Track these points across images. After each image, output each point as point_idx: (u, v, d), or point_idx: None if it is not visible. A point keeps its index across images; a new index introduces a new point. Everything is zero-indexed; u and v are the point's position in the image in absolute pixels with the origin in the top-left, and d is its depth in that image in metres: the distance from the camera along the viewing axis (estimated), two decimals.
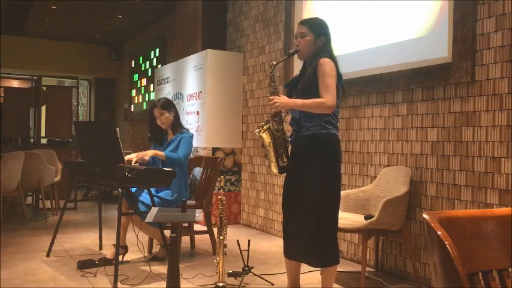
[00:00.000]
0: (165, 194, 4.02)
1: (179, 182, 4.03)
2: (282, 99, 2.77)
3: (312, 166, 2.79)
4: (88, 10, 8.52)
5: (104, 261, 3.82)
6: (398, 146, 3.81)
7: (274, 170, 2.89)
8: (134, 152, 4.26)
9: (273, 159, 2.87)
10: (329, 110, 2.74)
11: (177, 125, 4.19)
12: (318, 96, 2.74)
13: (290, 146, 2.93)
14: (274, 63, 2.89)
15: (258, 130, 2.84)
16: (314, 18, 3.05)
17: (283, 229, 2.99)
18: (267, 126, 2.84)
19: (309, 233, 2.79)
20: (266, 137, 2.84)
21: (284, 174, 2.99)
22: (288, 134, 2.95)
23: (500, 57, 3.08)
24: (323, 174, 2.78)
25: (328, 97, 2.69)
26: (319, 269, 2.92)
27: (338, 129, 2.88)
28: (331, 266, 2.84)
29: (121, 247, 3.95)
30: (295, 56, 2.99)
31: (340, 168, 2.86)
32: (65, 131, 7.63)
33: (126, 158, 3.84)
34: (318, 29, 2.87)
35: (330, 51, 2.86)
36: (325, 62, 2.74)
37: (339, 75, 2.81)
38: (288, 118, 3.00)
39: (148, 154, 3.92)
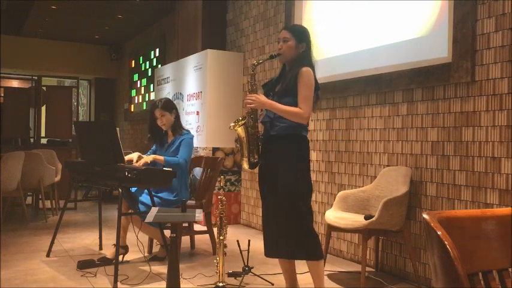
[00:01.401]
0: (165, 194, 4.02)
1: (180, 182, 4.03)
2: (260, 99, 2.84)
3: (281, 165, 2.86)
4: (88, 10, 8.52)
5: (104, 261, 3.82)
6: (398, 146, 3.81)
7: (245, 165, 2.97)
8: (134, 151, 4.26)
9: (245, 154, 2.95)
10: (304, 120, 2.87)
11: (177, 126, 4.16)
12: (295, 99, 2.84)
13: (261, 144, 2.99)
14: (255, 62, 2.96)
15: (233, 124, 2.91)
16: (297, 25, 3.24)
17: (262, 228, 3.04)
18: (243, 121, 2.91)
19: (287, 229, 2.83)
20: (241, 131, 2.92)
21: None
22: (261, 133, 3.02)
23: (500, 57, 3.08)
24: (293, 173, 2.84)
25: (305, 108, 2.83)
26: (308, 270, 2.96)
27: (307, 131, 2.97)
28: (316, 260, 2.86)
29: (121, 247, 3.95)
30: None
31: (309, 167, 2.95)
32: (65, 131, 7.62)
33: (127, 157, 3.84)
34: (300, 35, 2.97)
35: (310, 57, 2.98)
36: (307, 72, 2.85)
37: (316, 84, 2.91)
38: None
39: (148, 160, 3.90)
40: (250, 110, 2.92)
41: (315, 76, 2.90)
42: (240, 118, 2.94)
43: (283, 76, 2.99)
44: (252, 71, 2.96)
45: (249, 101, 2.85)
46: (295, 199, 2.83)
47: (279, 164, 2.87)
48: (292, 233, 2.83)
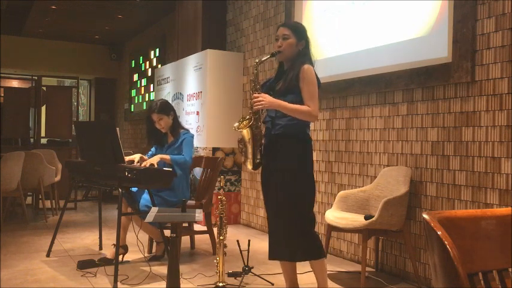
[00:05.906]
0: (167, 193, 4.01)
1: (181, 182, 4.02)
2: (268, 98, 2.79)
3: (285, 165, 2.83)
4: (88, 10, 8.53)
5: (104, 261, 3.82)
6: (398, 146, 3.81)
7: (249, 166, 2.91)
8: (134, 152, 4.25)
9: (250, 155, 2.88)
10: (314, 118, 2.84)
11: (176, 127, 4.15)
12: (298, 97, 2.80)
13: (263, 144, 2.94)
14: (257, 61, 2.91)
15: (237, 124, 2.84)
16: (296, 22, 3.14)
17: (268, 230, 3.03)
18: (249, 122, 2.83)
19: (288, 230, 2.82)
20: (246, 133, 2.86)
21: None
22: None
23: (500, 57, 3.08)
24: (296, 172, 2.82)
25: (313, 106, 2.79)
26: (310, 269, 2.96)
27: (310, 129, 2.93)
28: (318, 260, 2.86)
29: (121, 247, 3.95)
30: None
31: (312, 166, 2.91)
32: (65, 131, 7.62)
33: (128, 158, 3.83)
34: (300, 32, 2.94)
35: (310, 55, 2.95)
36: (309, 69, 2.82)
37: (318, 81, 2.88)
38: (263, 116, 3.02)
39: (154, 161, 3.83)
40: (255, 110, 2.83)
41: (315, 73, 2.86)
42: (243, 118, 2.87)
43: (282, 75, 2.93)
44: (255, 69, 2.88)
45: (256, 101, 2.77)
46: (297, 200, 2.81)
47: (281, 164, 2.84)
48: (292, 234, 2.82)
